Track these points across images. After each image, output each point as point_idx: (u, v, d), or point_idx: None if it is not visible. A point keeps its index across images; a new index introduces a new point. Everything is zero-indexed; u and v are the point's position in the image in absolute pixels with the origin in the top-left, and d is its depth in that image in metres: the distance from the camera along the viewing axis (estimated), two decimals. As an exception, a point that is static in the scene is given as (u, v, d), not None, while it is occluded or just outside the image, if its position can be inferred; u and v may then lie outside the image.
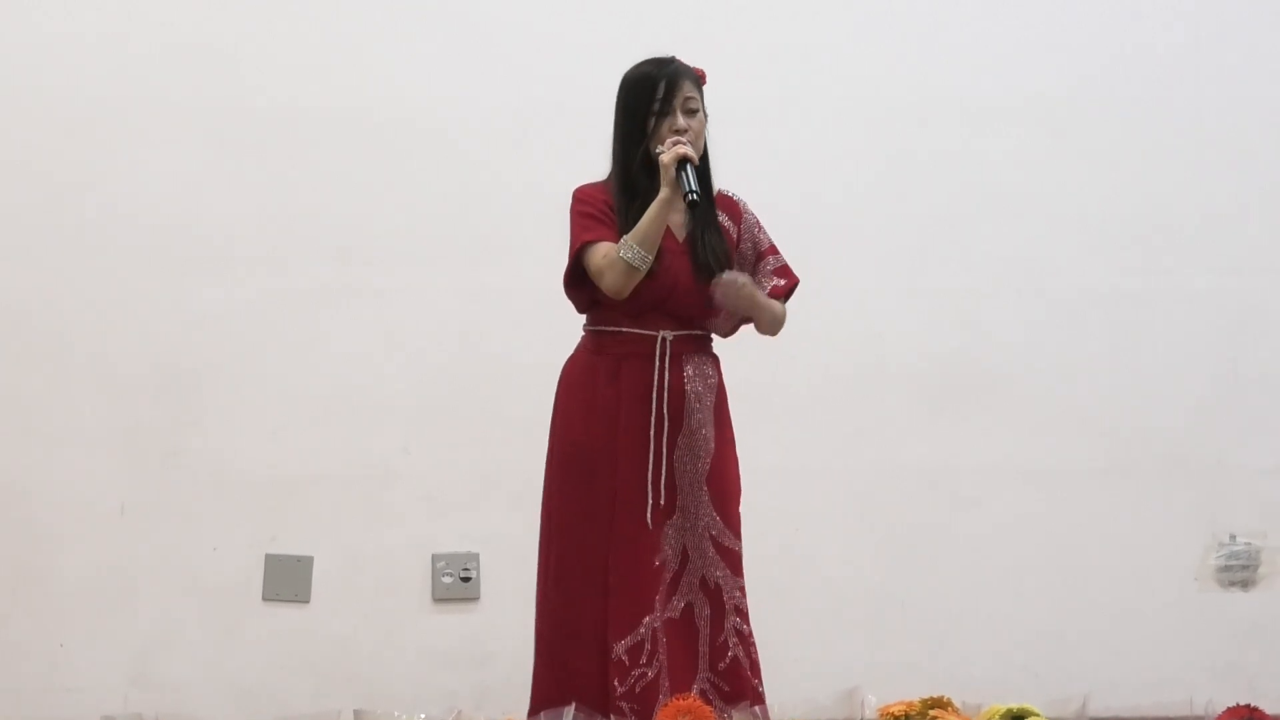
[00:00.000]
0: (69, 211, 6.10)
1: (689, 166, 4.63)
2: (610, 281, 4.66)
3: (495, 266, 6.15)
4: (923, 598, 6.26)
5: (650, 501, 4.72)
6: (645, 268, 4.64)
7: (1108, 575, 6.30)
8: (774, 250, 4.92)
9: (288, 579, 6.11)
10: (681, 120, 4.72)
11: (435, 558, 6.15)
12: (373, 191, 6.16)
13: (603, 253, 4.68)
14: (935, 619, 6.26)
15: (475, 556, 6.15)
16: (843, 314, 6.18)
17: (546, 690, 4.76)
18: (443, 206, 6.17)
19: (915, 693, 6.11)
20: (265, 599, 6.12)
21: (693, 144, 4.69)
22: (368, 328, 6.14)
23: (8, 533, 6.04)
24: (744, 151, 5.89)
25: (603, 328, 4.80)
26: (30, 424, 6.07)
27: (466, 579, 6.14)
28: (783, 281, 4.89)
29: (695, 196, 4.61)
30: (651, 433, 4.73)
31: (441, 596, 6.15)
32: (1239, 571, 6.33)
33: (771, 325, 4.88)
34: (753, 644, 4.81)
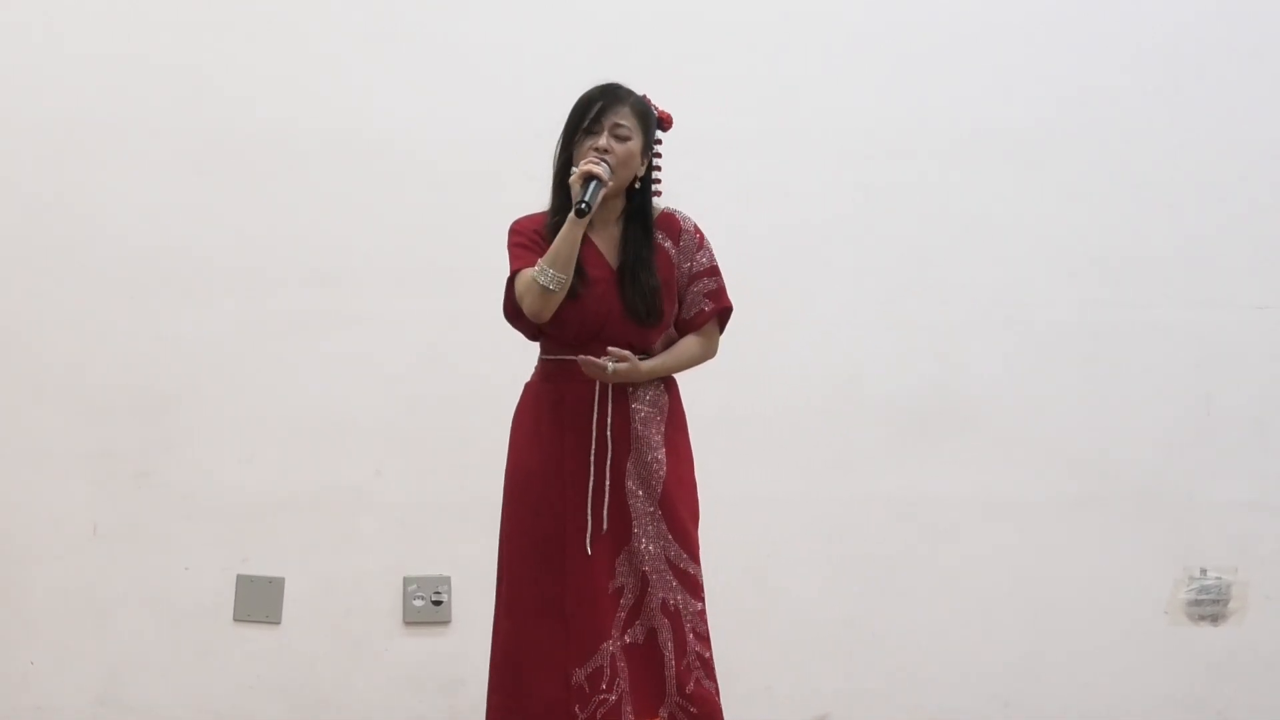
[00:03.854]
0: (45, 232, 6.10)
1: (594, 183, 4.59)
2: (529, 305, 4.65)
3: (469, 292, 6.13)
4: (894, 628, 6.27)
5: (590, 528, 4.71)
6: (561, 289, 4.61)
7: (1079, 607, 6.30)
8: (712, 272, 4.83)
9: (259, 600, 6.11)
10: (604, 140, 4.68)
11: (407, 580, 6.15)
12: (348, 217, 6.16)
13: (523, 278, 4.68)
14: (907, 649, 6.27)
15: (447, 580, 6.15)
16: (816, 345, 6.19)
17: (510, 717, 4.75)
18: (418, 232, 6.18)
19: (885, 722, 6.15)
20: (236, 620, 6.11)
21: (615, 168, 4.64)
22: (341, 351, 6.14)
23: (-21, 551, 6.05)
24: (721, 182, 5.93)
25: (549, 356, 4.79)
26: (4, 444, 6.07)
27: (438, 602, 6.14)
28: (709, 307, 4.82)
29: (584, 206, 4.55)
30: (593, 459, 4.72)
31: (413, 620, 6.15)
32: (1209, 605, 6.34)
33: (689, 367, 4.83)
34: (712, 668, 4.80)
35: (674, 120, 4.82)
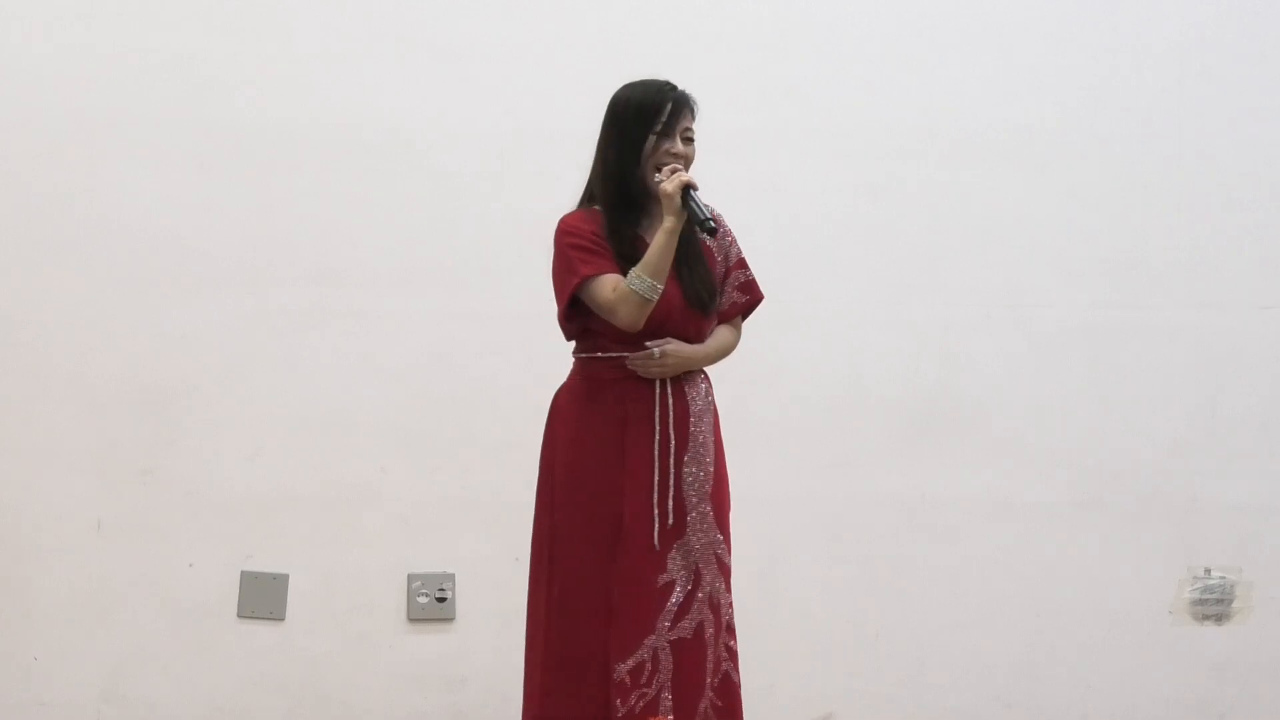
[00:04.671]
0: (49, 227, 6.09)
1: (694, 194, 4.64)
2: (625, 315, 4.67)
3: (474, 289, 6.16)
4: (898, 628, 6.27)
5: (658, 523, 4.72)
6: (657, 298, 4.66)
7: (1082, 608, 6.30)
8: (741, 264, 4.94)
9: (263, 597, 6.11)
10: (680, 145, 4.74)
11: (411, 578, 6.15)
12: (353, 213, 6.16)
13: (611, 286, 4.68)
14: (909, 649, 6.27)
15: (451, 577, 6.15)
16: (820, 345, 6.19)
17: (551, 713, 4.75)
18: (423, 229, 6.17)
19: (888, 722, 6.14)
20: (240, 616, 6.11)
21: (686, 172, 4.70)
22: (347, 348, 6.14)
23: (-16, 546, 6.06)
24: (724, 181, 5.91)
25: (597, 354, 4.80)
26: (8, 439, 6.07)
27: (442, 599, 6.14)
28: (744, 299, 4.92)
29: (712, 224, 4.62)
30: (656, 453, 4.73)
31: (417, 617, 6.14)
32: (1213, 606, 6.34)
33: (723, 357, 4.93)
34: (737, 658, 4.84)
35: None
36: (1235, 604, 6.34)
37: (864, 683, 6.23)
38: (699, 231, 4.72)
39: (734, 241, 4.94)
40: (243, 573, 6.11)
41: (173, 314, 6.11)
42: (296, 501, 6.12)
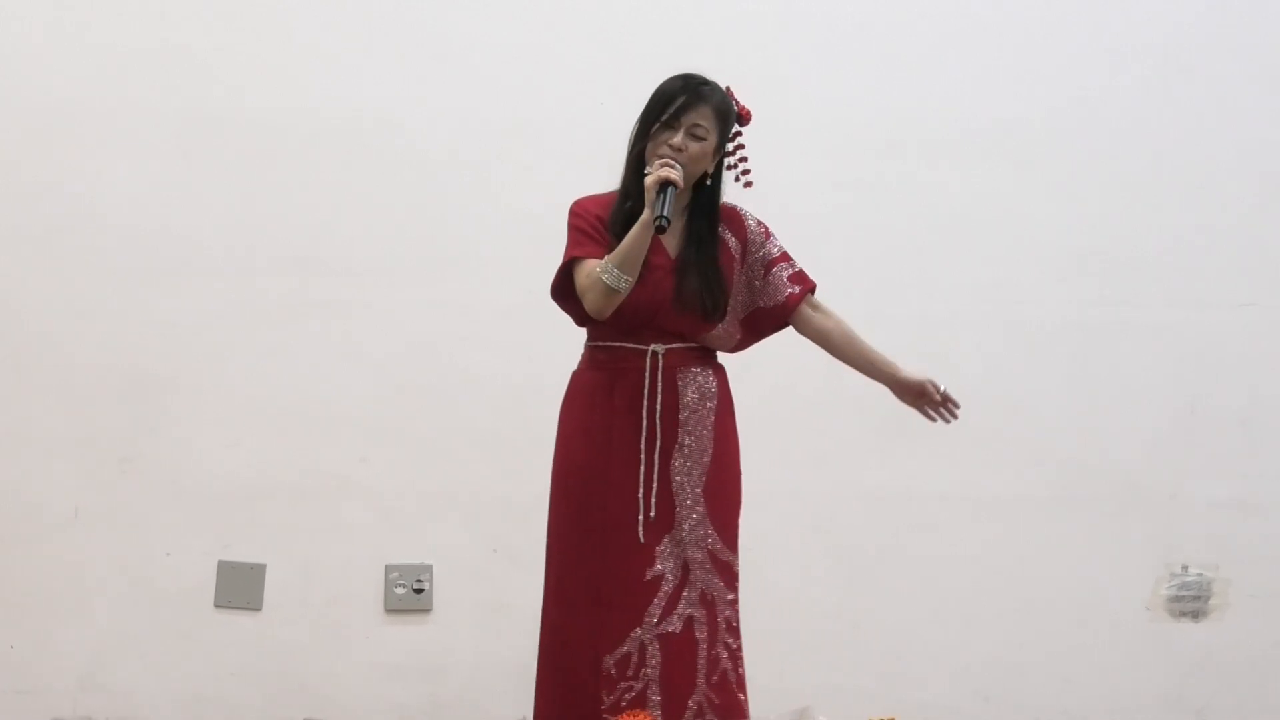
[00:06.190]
0: (32, 214, 6.08)
1: (669, 190, 4.58)
2: (591, 301, 4.64)
3: (456, 280, 6.15)
4: (876, 622, 6.27)
5: (641, 516, 4.71)
6: (625, 289, 4.61)
7: (1061, 604, 6.31)
8: (786, 258, 4.87)
9: (240, 586, 6.10)
10: (680, 139, 4.67)
11: (389, 569, 6.14)
12: (336, 204, 6.16)
13: (586, 271, 4.65)
14: (889, 644, 6.27)
15: (429, 568, 6.14)
16: (801, 339, 6.18)
17: (548, 704, 4.75)
18: (406, 219, 6.17)
19: (867, 715, 6.15)
20: (217, 606, 6.10)
21: (685, 168, 4.64)
22: (328, 338, 6.14)
23: (-40, 534, 6.04)
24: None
25: (598, 343, 4.78)
26: (-13, 426, 6.07)
27: (420, 591, 6.14)
28: (797, 289, 4.86)
29: (663, 223, 4.56)
30: (643, 446, 4.72)
31: (394, 608, 6.14)
32: (1191, 602, 6.36)
33: (871, 350, 4.99)
34: (740, 659, 4.81)
35: (750, 115, 4.83)
36: (1213, 601, 6.36)
37: (842, 677, 6.24)
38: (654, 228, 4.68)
39: (773, 238, 4.87)
40: (220, 562, 6.10)
41: (155, 302, 6.10)
42: (275, 491, 6.11)
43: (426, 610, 6.15)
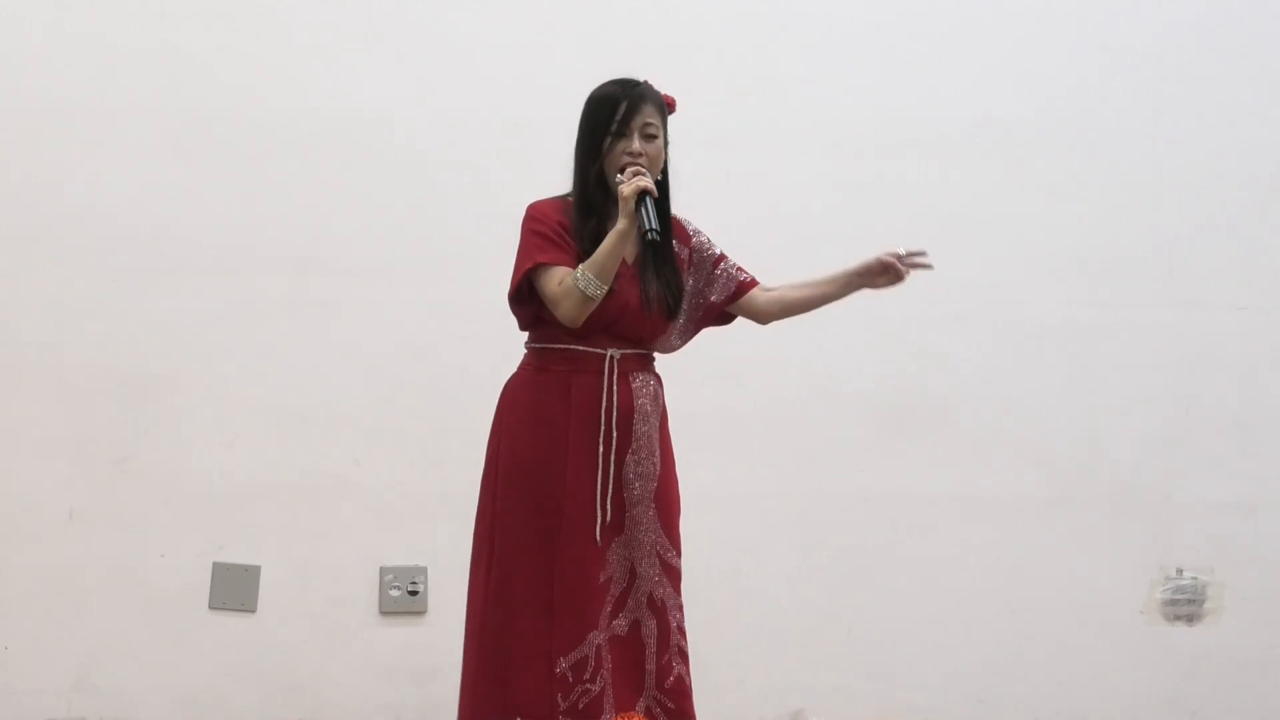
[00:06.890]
0: (26, 214, 6.08)
1: (648, 200, 4.59)
2: (566, 310, 4.64)
3: (451, 281, 6.15)
4: (870, 624, 6.27)
5: (599, 519, 4.71)
6: (600, 297, 4.62)
7: (1055, 606, 6.32)
8: (725, 256, 4.93)
9: (235, 588, 6.10)
10: (637, 144, 4.69)
11: (383, 570, 6.14)
12: (331, 204, 6.16)
13: (558, 279, 4.65)
14: (882, 646, 6.27)
15: (423, 570, 6.14)
16: (795, 339, 6.16)
17: (483, 710, 4.74)
18: (404, 219, 6.17)
19: (860, 717, 6.14)
20: (212, 607, 6.10)
21: (648, 170, 4.65)
22: (322, 339, 6.14)
23: (-46, 535, 6.04)
24: (703, 176, 5.90)
25: (548, 345, 4.78)
26: (-19, 426, 6.07)
27: (414, 592, 6.14)
28: (748, 276, 4.93)
29: (655, 235, 4.57)
30: (600, 449, 4.72)
31: (389, 609, 6.14)
32: (1185, 605, 6.35)
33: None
34: (688, 660, 4.81)
35: (676, 103, 4.83)
36: (1207, 604, 6.35)
37: (836, 678, 6.24)
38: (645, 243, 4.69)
39: (711, 242, 4.92)
40: (215, 564, 6.10)
41: (149, 302, 6.09)
42: (270, 493, 6.11)
43: (421, 612, 6.15)
